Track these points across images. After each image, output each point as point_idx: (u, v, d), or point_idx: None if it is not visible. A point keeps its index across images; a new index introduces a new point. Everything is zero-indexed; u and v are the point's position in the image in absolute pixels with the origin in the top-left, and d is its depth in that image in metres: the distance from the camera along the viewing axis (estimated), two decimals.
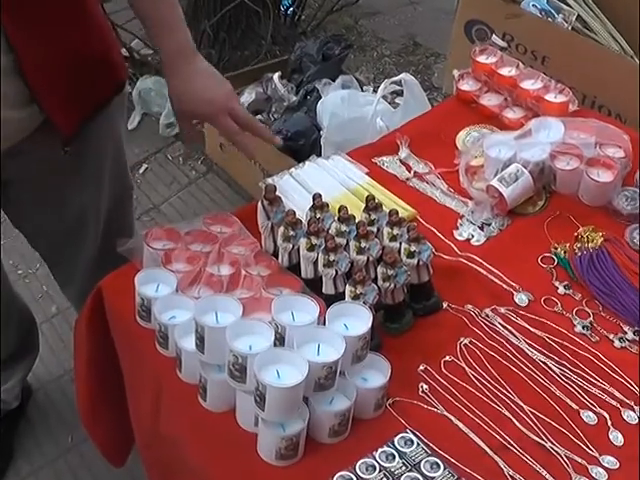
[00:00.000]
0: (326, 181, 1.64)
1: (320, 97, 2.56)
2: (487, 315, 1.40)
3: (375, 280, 1.33)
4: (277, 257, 1.45)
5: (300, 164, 1.73)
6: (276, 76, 2.71)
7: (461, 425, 1.24)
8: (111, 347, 1.54)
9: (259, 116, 2.74)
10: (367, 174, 1.71)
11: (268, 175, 2.65)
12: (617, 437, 1.22)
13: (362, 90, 2.69)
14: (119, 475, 2.08)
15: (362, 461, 1.18)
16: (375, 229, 1.41)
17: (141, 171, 3.12)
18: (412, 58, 3.53)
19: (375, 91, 2.66)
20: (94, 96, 1.56)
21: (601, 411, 1.25)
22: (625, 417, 1.25)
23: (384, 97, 2.49)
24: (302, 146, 2.43)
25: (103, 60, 1.56)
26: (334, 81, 2.66)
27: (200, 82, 1.57)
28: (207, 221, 1.52)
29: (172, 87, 1.58)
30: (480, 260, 1.50)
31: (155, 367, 1.36)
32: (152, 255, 1.44)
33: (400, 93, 2.65)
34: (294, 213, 1.41)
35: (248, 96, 2.78)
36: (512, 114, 1.83)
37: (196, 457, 1.31)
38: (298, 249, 1.41)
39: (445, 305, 1.43)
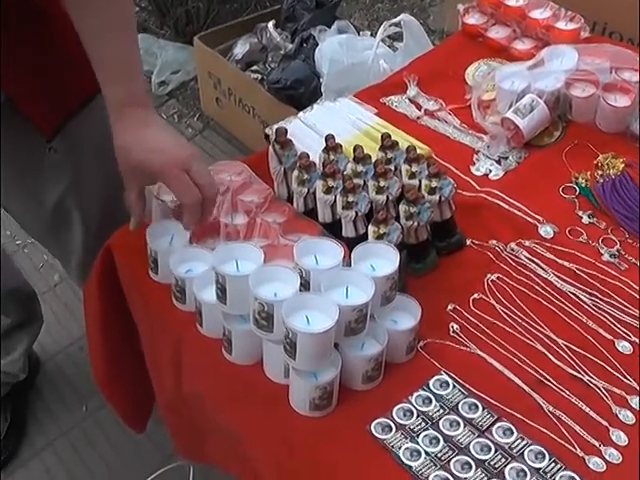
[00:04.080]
0: (336, 123, 1.59)
1: (317, 44, 2.49)
2: (512, 249, 1.36)
3: (397, 219, 1.28)
4: (292, 203, 1.40)
5: (308, 108, 1.67)
6: (271, 24, 2.64)
7: (495, 363, 1.20)
8: (125, 308, 1.50)
9: (255, 66, 2.67)
10: (376, 114, 1.65)
11: (268, 126, 2.61)
12: None
13: (359, 35, 2.62)
14: (137, 441, 2.08)
15: (399, 406, 1.14)
16: (392, 167, 1.36)
17: None
18: (406, 2, 3.45)
19: (373, 36, 2.59)
20: (76, 94, 1.48)
21: (636, 339, 1.22)
22: None
23: (382, 41, 2.43)
24: (302, 94, 2.36)
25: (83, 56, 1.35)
26: (329, 27, 2.59)
27: (154, 130, 1.29)
28: (216, 170, 1.47)
29: (119, 136, 1.28)
30: (500, 194, 1.46)
31: (173, 324, 1.32)
32: (162, 208, 1.39)
33: (396, 38, 2.59)
34: (307, 156, 1.36)
35: (242, 47, 2.71)
36: (522, 45, 1.78)
37: (224, 414, 1.28)
38: (314, 193, 1.36)
39: (469, 242, 1.39)
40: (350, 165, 1.37)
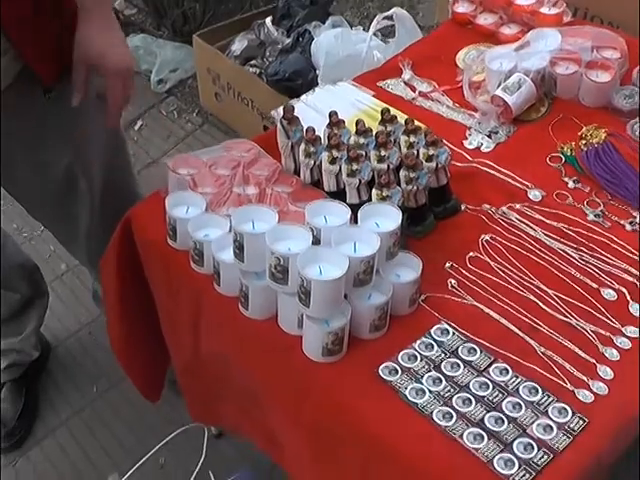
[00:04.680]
0: (337, 104, 1.68)
1: (312, 38, 2.60)
2: (504, 212, 1.47)
3: (398, 185, 1.38)
4: (298, 175, 1.51)
5: (310, 91, 1.78)
6: (268, 20, 2.75)
7: (491, 312, 1.31)
8: (142, 279, 1.59)
9: (253, 61, 2.77)
10: (374, 97, 1.76)
11: (268, 119, 2.72)
12: (637, 309, 1.30)
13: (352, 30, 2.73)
14: (148, 418, 2.17)
15: (403, 352, 1.25)
16: (392, 140, 1.47)
17: (136, 128, 3.15)
18: (395, 1, 3.56)
19: (365, 30, 2.70)
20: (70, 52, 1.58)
21: (620, 287, 1.33)
22: None
23: (374, 35, 2.53)
24: (300, 86, 2.47)
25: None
26: (324, 23, 2.70)
27: (118, 34, 1.58)
28: (227, 147, 1.58)
29: (85, 29, 1.53)
30: (492, 164, 1.57)
31: (192, 285, 1.42)
32: (179, 181, 1.49)
33: (387, 34, 2.70)
34: (313, 130, 1.47)
35: (239, 44, 2.82)
36: (508, 30, 1.88)
37: (241, 367, 1.38)
38: (319, 165, 1.47)
39: (463, 207, 1.49)
40: (353, 138, 1.47)
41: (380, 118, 1.50)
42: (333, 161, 1.43)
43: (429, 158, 1.41)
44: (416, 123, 1.47)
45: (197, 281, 1.41)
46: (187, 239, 1.40)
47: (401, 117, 1.57)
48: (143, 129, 3.15)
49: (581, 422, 1.14)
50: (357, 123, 1.47)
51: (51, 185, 1.76)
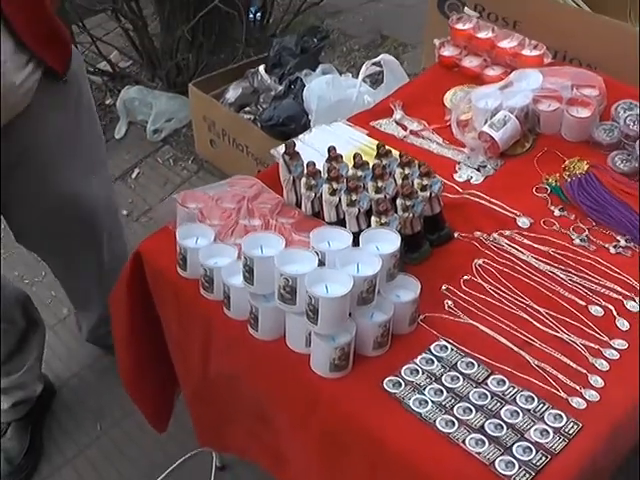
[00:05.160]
0: (333, 142, 1.78)
1: (304, 85, 2.72)
2: (495, 239, 1.57)
3: (395, 213, 1.48)
4: (300, 207, 1.60)
5: (307, 131, 1.88)
6: (261, 68, 2.87)
7: (487, 330, 1.39)
8: (151, 311, 1.66)
9: (247, 108, 2.89)
10: (367, 135, 1.86)
11: (262, 163, 2.82)
12: (623, 324, 1.39)
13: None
14: (151, 454, 2.22)
15: (406, 367, 1.33)
16: (388, 172, 1.56)
17: (133, 176, 3.24)
18: (381, 50, 3.70)
19: (354, 77, 2.82)
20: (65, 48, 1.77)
21: (606, 304, 1.42)
22: (628, 307, 1.42)
23: (363, 81, 2.65)
24: (294, 130, 2.57)
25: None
26: (314, 71, 2.83)
27: None
28: (231, 183, 1.67)
29: None
30: (482, 194, 1.66)
31: (202, 311, 1.49)
32: (187, 215, 1.57)
33: (375, 82, 2.82)
34: (314, 164, 1.57)
35: (234, 92, 2.93)
36: (492, 72, 2.00)
37: (251, 386, 1.45)
38: (319, 197, 1.56)
39: (456, 235, 1.58)
40: (351, 171, 1.57)
41: (376, 152, 1.60)
42: (333, 193, 1.52)
43: (423, 188, 1.51)
44: (409, 157, 1.57)
45: (207, 307, 1.48)
46: (197, 268, 1.48)
47: (395, 152, 1.67)
48: (140, 177, 3.23)
49: (575, 426, 1.21)
50: (355, 157, 1.57)
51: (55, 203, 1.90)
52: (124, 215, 3.02)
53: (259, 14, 3.80)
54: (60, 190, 1.87)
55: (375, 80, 2.88)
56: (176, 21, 3.41)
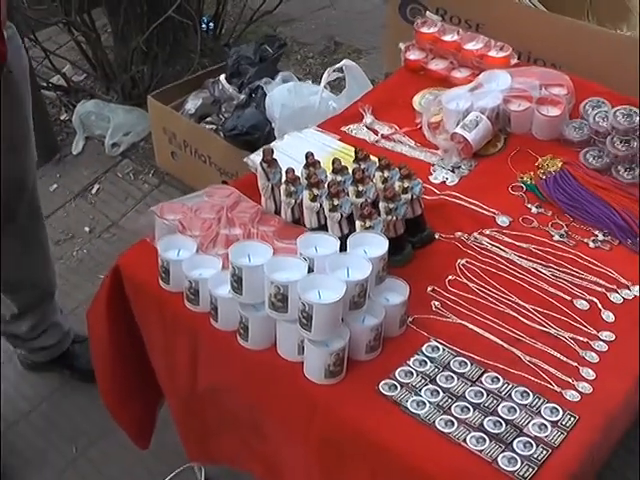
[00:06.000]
0: (306, 149, 1.77)
1: (265, 93, 2.70)
2: (476, 238, 1.58)
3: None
4: (279, 215, 1.59)
5: (278, 138, 1.88)
6: (222, 77, 2.85)
7: (476, 328, 1.40)
8: (131, 326, 1.63)
9: (209, 118, 2.86)
10: (339, 140, 1.87)
11: (226, 174, 2.80)
12: (609, 316, 1.41)
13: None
14: (133, 472, 2.17)
15: (400, 369, 1.33)
16: (368, 177, 1.56)
17: (93, 191, 3.19)
18: (336, 56, 3.71)
19: (315, 83, 2.83)
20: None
21: (591, 298, 1.44)
22: (612, 299, 1.44)
23: (324, 88, 2.66)
24: (257, 139, 2.56)
25: None
26: (274, 79, 2.82)
27: None
28: (208, 193, 1.65)
29: None
30: (459, 195, 1.68)
31: (188, 324, 1.47)
32: (167, 227, 1.56)
33: (335, 86, 2.83)
34: (293, 170, 1.56)
35: (193, 102, 2.91)
36: (459, 74, 2.02)
37: (242, 397, 1.43)
38: (299, 204, 1.55)
39: (437, 236, 1.59)
40: (330, 176, 1.57)
41: (354, 157, 1.60)
42: (314, 199, 1.51)
43: (404, 190, 1.51)
44: (388, 160, 1.57)
45: (193, 320, 1.46)
46: (180, 280, 1.46)
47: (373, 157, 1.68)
48: (100, 192, 3.18)
49: (572, 419, 1.23)
50: (334, 162, 1.57)
51: None
52: (86, 232, 2.98)
53: (212, 24, 3.78)
54: None
55: (334, 86, 2.88)
56: (130, 32, 3.36)
